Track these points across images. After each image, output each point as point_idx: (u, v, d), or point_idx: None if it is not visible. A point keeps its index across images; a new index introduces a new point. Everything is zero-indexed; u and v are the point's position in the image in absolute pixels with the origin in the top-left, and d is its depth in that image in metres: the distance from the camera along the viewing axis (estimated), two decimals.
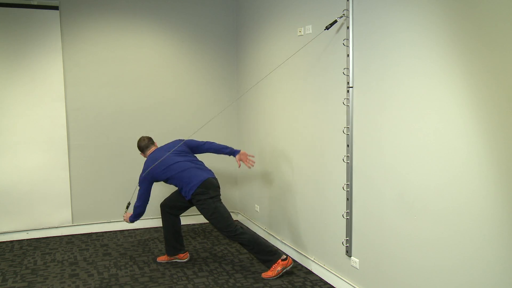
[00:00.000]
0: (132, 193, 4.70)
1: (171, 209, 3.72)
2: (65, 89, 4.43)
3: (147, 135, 3.98)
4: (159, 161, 3.57)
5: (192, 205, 3.67)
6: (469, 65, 2.10)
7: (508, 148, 1.94)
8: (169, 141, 3.88)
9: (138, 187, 3.69)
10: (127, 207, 3.81)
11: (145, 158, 3.83)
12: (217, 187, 3.58)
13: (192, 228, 4.79)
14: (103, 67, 4.55)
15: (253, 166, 3.78)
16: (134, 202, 3.73)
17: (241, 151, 3.75)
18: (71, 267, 3.68)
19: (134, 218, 3.74)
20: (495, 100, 1.98)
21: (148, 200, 3.70)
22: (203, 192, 3.48)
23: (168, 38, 4.77)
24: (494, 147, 2.01)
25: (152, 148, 3.84)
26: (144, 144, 3.85)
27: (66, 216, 4.52)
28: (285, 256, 3.47)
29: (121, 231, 4.67)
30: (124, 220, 3.82)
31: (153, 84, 4.73)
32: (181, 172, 3.56)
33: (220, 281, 3.38)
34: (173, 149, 3.65)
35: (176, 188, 3.78)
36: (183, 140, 3.81)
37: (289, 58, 3.57)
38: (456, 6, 2.15)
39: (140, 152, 3.93)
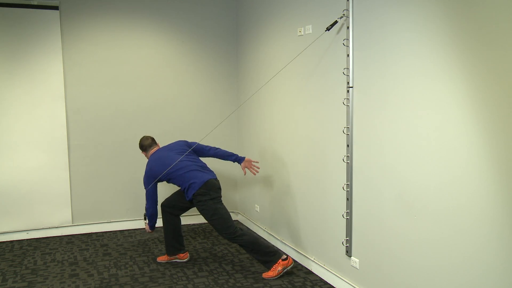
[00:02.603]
0: (132, 193, 4.72)
1: (172, 209, 3.72)
2: (65, 89, 4.43)
3: (149, 135, 3.98)
4: (173, 163, 3.55)
5: (193, 206, 3.68)
6: (469, 65, 2.10)
7: (508, 148, 1.94)
8: (169, 141, 3.89)
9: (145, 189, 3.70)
10: (145, 218, 3.81)
11: (147, 159, 3.83)
12: (218, 189, 3.57)
13: (192, 228, 4.79)
14: (103, 67, 4.55)
15: (258, 172, 3.87)
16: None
17: (245, 158, 3.81)
18: (71, 267, 3.68)
19: (150, 221, 3.76)
20: (495, 100, 1.98)
21: (156, 200, 3.71)
22: (204, 193, 3.48)
23: (168, 38, 4.77)
24: (494, 147, 2.01)
25: (155, 148, 3.84)
26: (148, 143, 3.84)
27: (66, 216, 4.52)
28: (285, 256, 3.46)
29: (121, 231, 4.67)
30: (146, 231, 3.84)
31: (153, 84, 4.73)
32: (183, 173, 3.56)
33: (220, 281, 3.38)
34: (176, 150, 3.69)
35: (177, 189, 3.80)
36: (186, 141, 3.83)
37: (291, 61, 3.57)
38: (456, 6, 2.15)
39: (141, 151, 3.92)
